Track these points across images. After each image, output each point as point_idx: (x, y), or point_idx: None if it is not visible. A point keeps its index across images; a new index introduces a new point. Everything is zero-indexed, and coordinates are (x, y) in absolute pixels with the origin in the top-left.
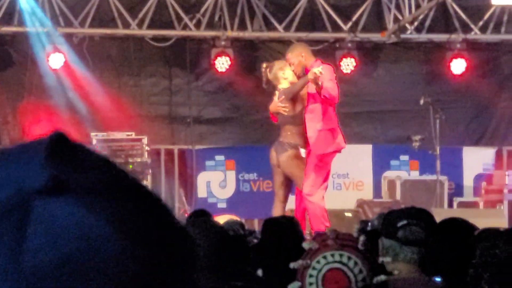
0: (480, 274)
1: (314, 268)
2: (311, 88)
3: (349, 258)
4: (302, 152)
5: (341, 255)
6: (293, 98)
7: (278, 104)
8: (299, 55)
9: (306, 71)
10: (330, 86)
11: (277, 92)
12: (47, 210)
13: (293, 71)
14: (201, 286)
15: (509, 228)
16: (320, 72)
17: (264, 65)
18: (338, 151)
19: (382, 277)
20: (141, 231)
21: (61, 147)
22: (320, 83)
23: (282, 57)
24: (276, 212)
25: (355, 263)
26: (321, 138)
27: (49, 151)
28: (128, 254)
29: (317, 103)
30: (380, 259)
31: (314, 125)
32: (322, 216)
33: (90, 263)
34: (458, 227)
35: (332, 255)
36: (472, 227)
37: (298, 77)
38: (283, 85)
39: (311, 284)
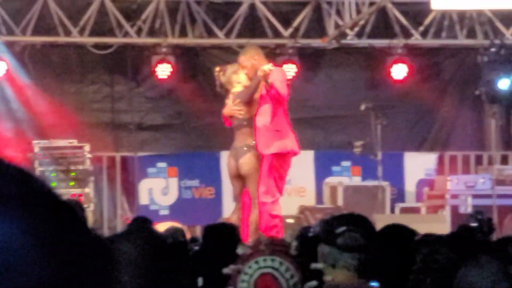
0: (421, 279)
1: (246, 273)
2: (263, 90)
3: (281, 263)
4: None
5: (273, 260)
6: (249, 101)
7: (233, 108)
8: (251, 58)
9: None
10: (280, 86)
11: (231, 96)
12: None
13: (246, 74)
14: None
15: (450, 233)
16: (270, 70)
17: (217, 68)
18: (290, 154)
19: (314, 283)
20: (55, 240)
21: None
22: (269, 81)
23: (222, 63)
24: (233, 219)
25: (287, 269)
26: (266, 137)
27: None
28: (43, 261)
29: (267, 104)
30: (313, 266)
31: (263, 125)
32: (272, 221)
33: (7, 269)
34: (399, 233)
35: (264, 260)
36: (412, 233)
37: (251, 80)
38: (237, 89)
39: None
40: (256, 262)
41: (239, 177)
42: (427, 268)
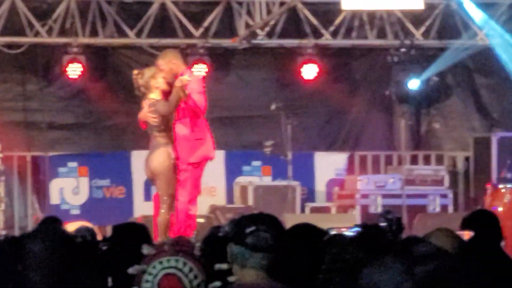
0: (330, 279)
1: (150, 274)
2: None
3: (184, 263)
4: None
5: (176, 261)
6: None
7: (147, 114)
8: (169, 62)
9: (176, 77)
10: (198, 98)
11: (147, 100)
12: None
13: (164, 78)
14: None
15: (359, 233)
16: (187, 80)
17: (135, 72)
18: (206, 159)
19: (217, 284)
20: None
21: None
22: (187, 92)
23: (133, 62)
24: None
25: (191, 269)
26: (187, 147)
27: None
28: None
29: (186, 116)
30: (217, 266)
31: (183, 136)
32: (187, 222)
33: None
34: (308, 233)
35: (168, 261)
36: (321, 232)
37: (169, 84)
38: (154, 94)
39: None
40: (160, 263)
41: (153, 179)
42: (336, 268)
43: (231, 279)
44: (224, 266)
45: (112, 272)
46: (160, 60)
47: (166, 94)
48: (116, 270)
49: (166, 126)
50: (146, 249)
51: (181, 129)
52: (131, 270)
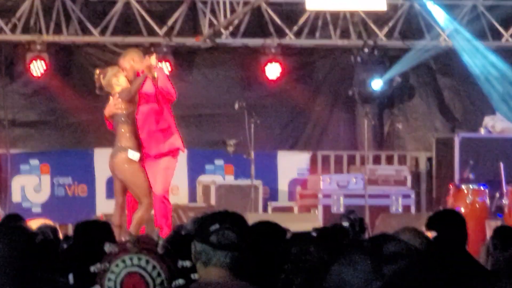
0: (292, 279)
1: (112, 272)
2: (145, 88)
3: (147, 261)
4: (131, 154)
5: (139, 259)
6: (131, 98)
7: (113, 104)
8: (130, 60)
9: (137, 75)
10: (168, 84)
11: (111, 98)
12: None
13: (125, 76)
14: None
15: (319, 234)
16: (156, 62)
17: (97, 71)
18: (175, 151)
19: (180, 281)
20: None
21: None
22: (155, 75)
23: (97, 61)
24: (114, 218)
25: (153, 267)
26: (154, 139)
27: None
28: None
29: (151, 103)
30: (180, 264)
31: (147, 126)
32: (169, 215)
33: None
34: (270, 231)
35: (131, 259)
36: (283, 230)
37: (131, 82)
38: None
39: None
40: (123, 261)
41: (116, 176)
42: (298, 268)
43: (194, 276)
44: (187, 263)
45: (74, 270)
46: (121, 59)
47: None
48: (78, 268)
49: (130, 118)
50: (108, 247)
51: (145, 121)
52: (93, 268)
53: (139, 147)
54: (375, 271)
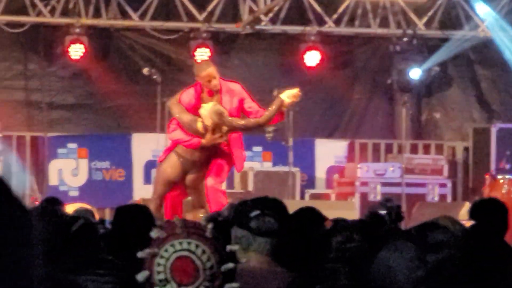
0: (338, 268)
1: (162, 257)
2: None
3: (197, 246)
4: None
5: (189, 243)
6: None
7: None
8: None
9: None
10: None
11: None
12: None
13: (214, 85)
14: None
15: (361, 221)
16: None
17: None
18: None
19: (230, 265)
20: None
21: None
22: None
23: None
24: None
25: (203, 251)
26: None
27: None
28: None
29: None
30: (228, 248)
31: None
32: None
33: None
34: (311, 217)
35: (180, 243)
36: (323, 218)
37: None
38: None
39: (159, 272)
40: (172, 246)
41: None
42: (343, 256)
43: (243, 261)
44: (235, 247)
45: (113, 254)
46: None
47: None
48: (117, 252)
49: None
50: (156, 232)
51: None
52: (141, 254)
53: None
54: (420, 259)
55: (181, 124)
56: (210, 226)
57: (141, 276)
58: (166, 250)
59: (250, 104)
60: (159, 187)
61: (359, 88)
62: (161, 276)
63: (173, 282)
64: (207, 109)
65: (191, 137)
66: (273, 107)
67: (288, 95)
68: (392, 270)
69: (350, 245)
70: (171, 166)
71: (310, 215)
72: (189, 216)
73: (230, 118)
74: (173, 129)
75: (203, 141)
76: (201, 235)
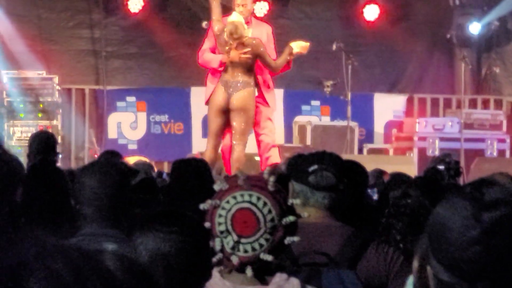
0: (392, 223)
1: (223, 208)
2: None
3: (258, 198)
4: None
5: (250, 195)
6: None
7: (241, 55)
8: (252, 1)
9: (247, 22)
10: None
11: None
12: None
13: (241, 11)
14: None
15: (419, 176)
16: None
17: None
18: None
19: (291, 218)
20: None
21: None
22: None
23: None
24: (207, 155)
25: (264, 204)
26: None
27: None
28: None
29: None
30: (290, 201)
31: (270, 87)
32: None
33: None
34: (357, 171)
35: (242, 195)
36: (365, 172)
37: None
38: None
39: (220, 224)
40: (234, 197)
41: (224, 113)
42: (398, 212)
43: (304, 215)
44: (297, 201)
45: (172, 206)
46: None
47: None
48: (176, 205)
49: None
50: (218, 184)
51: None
52: (203, 206)
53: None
54: (475, 217)
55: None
56: (272, 179)
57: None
58: (227, 202)
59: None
60: (209, 138)
61: (418, 43)
62: (222, 228)
63: (234, 234)
64: (228, 20)
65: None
66: (284, 55)
67: (297, 45)
68: (446, 228)
69: (406, 201)
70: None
71: (356, 169)
72: None
73: (244, 31)
74: (202, 52)
75: (225, 57)
76: (263, 188)
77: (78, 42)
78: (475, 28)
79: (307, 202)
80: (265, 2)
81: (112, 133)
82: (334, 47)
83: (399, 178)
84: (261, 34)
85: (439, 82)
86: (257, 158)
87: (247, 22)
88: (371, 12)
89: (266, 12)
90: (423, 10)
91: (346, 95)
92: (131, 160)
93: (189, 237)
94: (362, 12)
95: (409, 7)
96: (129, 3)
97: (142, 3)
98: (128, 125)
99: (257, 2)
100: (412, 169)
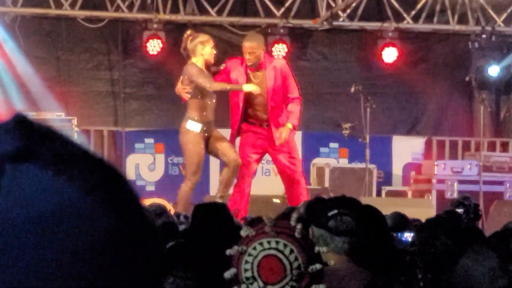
0: (416, 261)
1: (250, 255)
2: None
3: (285, 245)
4: (190, 124)
5: (277, 242)
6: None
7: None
8: (261, 48)
9: (260, 65)
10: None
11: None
12: (16, 175)
13: (248, 59)
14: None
15: (439, 218)
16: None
17: (188, 32)
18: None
19: (317, 266)
20: (110, 197)
21: (26, 123)
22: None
23: (213, 40)
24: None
25: (291, 251)
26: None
27: (17, 125)
28: (98, 215)
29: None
30: (317, 249)
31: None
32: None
33: (62, 223)
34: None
35: (269, 242)
36: (383, 217)
37: (251, 68)
38: (197, 59)
39: (246, 270)
40: (261, 244)
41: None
42: (425, 251)
43: (330, 262)
44: (324, 249)
45: (195, 252)
46: (253, 43)
47: (207, 65)
48: (198, 250)
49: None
50: (245, 231)
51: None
52: (229, 251)
53: (205, 120)
54: (502, 268)
55: None
56: (299, 226)
57: (228, 274)
58: (254, 248)
59: (290, 82)
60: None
61: (437, 85)
62: (248, 274)
63: (260, 281)
64: None
65: None
66: (234, 86)
67: (250, 87)
68: (473, 280)
69: (434, 242)
70: None
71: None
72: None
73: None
74: None
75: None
76: (290, 235)
77: (97, 84)
78: (494, 70)
79: (327, 247)
80: (284, 44)
81: (130, 175)
82: (352, 89)
83: (428, 220)
84: (276, 72)
85: (458, 125)
86: (276, 201)
87: (260, 67)
88: (389, 54)
89: (284, 54)
90: (442, 52)
91: (364, 138)
92: (148, 202)
93: (206, 285)
94: (381, 54)
95: (427, 49)
96: (147, 44)
97: (161, 45)
98: (146, 167)
99: (276, 44)
100: (430, 212)
